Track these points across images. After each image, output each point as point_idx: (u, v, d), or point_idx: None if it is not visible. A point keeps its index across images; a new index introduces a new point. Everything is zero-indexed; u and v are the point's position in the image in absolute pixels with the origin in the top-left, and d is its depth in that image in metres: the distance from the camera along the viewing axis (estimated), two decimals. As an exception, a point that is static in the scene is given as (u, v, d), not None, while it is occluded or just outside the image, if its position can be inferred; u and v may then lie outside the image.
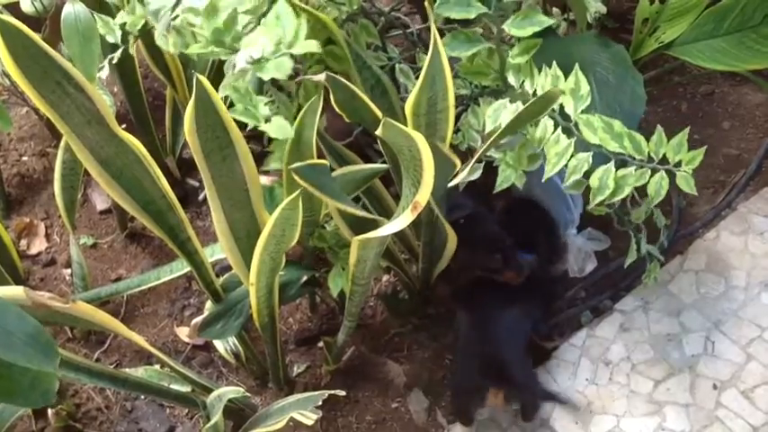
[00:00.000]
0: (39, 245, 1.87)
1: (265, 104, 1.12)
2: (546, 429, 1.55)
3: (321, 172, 1.20)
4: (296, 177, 1.16)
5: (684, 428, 1.53)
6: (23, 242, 1.86)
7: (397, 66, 1.42)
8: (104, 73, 1.27)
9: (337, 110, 1.31)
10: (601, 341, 1.65)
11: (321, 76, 1.23)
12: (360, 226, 1.36)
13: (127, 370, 1.57)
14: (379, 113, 1.29)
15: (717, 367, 1.60)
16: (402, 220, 1.14)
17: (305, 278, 1.55)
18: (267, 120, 1.12)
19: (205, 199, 1.90)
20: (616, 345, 1.64)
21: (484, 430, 1.56)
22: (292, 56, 1.21)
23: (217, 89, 1.19)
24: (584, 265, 1.65)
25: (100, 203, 1.91)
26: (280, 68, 1.10)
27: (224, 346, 1.65)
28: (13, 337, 0.68)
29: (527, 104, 1.28)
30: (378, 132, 1.13)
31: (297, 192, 1.22)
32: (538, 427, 1.56)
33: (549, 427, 1.56)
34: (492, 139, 1.32)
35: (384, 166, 1.43)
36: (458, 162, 1.31)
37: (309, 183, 1.17)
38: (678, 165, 1.34)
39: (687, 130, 1.34)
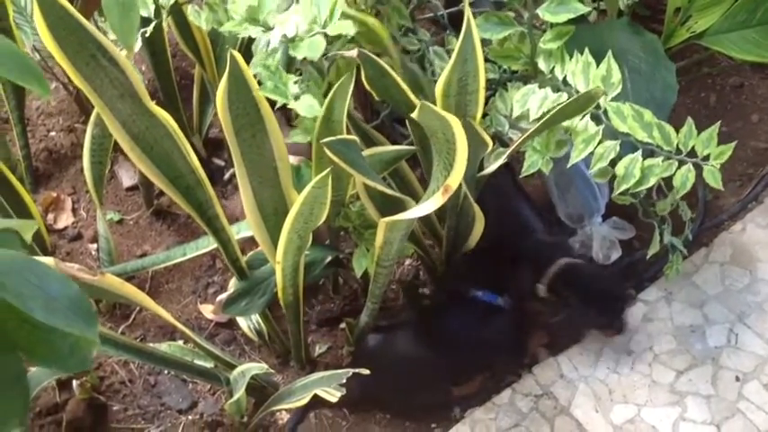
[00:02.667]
0: (65, 219, 1.88)
1: (295, 83, 1.12)
2: (567, 417, 1.56)
3: (351, 148, 1.20)
4: (327, 151, 1.17)
5: (706, 419, 1.53)
6: (50, 216, 1.88)
7: (430, 48, 1.42)
8: (137, 46, 1.28)
9: (367, 87, 1.31)
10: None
11: (353, 52, 1.23)
12: (387, 207, 1.36)
13: (151, 345, 1.59)
14: (410, 93, 1.29)
15: (740, 359, 1.59)
16: (432, 203, 1.14)
17: (329, 258, 1.55)
18: (296, 97, 1.13)
19: (230, 179, 1.92)
20: (639, 335, 1.64)
21: (505, 417, 1.56)
22: (326, 36, 1.22)
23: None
24: (609, 253, 1.64)
25: (126, 180, 1.92)
26: (313, 48, 1.11)
27: (247, 323, 1.66)
28: (55, 301, 0.69)
29: (568, 101, 1.28)
30: (413, 115, 1.13)
31: (326, 170, 1.22)
32: (558, 414, 1.56)
33: (570, 414, 1.56)
34: (528, 133, 1.32)
35: (412, 147, 1.43)
36: (489, 141, 1.31)
37: (340, 157, 1.17)
38: (706, 158, 1.34)
39: (718, 124, 1.33)
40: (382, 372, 1.41)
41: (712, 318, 1.64)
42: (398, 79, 1.33)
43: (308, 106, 1.13)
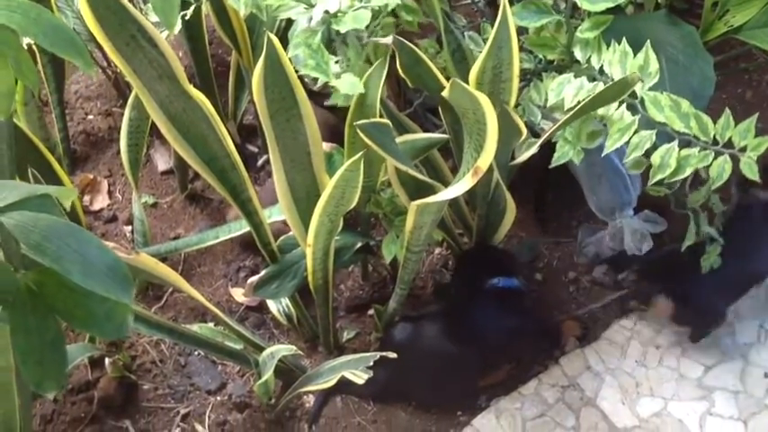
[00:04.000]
0: (101, 201, 1.91)
1: (336, 62, 1.13)
2: (593, 408, 1.55)
3: (384, 131, 1.21)
4: (360, 133, 1.18)
5: (733, 415, 1.52)
6: (86, 198, 1.91)
7: (465, 34, 1.42)
8: (177, 28, 1.30)
9: (401, 74, 1.32)
10: (652, 325, 1.64)
11: (388, 39, 1.24)
12: (417, 192, 1.37)
13: (182, 325, 1.61)
14: (443, 79, 1.30)
15: (769, 356, 1.58)
16: (462, 185, 1.15)
17: (359, 244, 1.57)
18: (338, 76, 1.14)
19: (263, 165, 1.94)
20: (667, 329, 1.64)
21: (530, 406, 1.57)
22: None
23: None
24: (641, 245, 1.63)
25: (162, 164, 1.95)
26: (357, 20, 1.11)
27: (277, 307, 1.68)
28: (93, 267, 0.70)
29: (604, 88, 1.28)
30: (444, 93, 1.14)
31: (359, 153, 1.23)
32: (584, 405, 1.56)
33: (596, 406, 1.56)
34: (562, 120, 1.32)
35: (444, 136, 1.44)
36: (524, 128, 1.31)
37: (373, 140, 1.18)
38: (743, 150, 1.33)
39: (756, 116, 1.32)
40: (409, 360, 1.42)
41: (743, 314, 1.63)
42: (432, 66, 1.33)
43: (350, 84, 1.14)
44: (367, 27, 1.21)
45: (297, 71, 1.25)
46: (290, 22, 1.60)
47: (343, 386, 1.43)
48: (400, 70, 1.31)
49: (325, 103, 1.41)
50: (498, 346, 1.58)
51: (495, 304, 1.55)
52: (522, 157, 1.42)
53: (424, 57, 1.30)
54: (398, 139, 1.40)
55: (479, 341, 1.53)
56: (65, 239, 0.70)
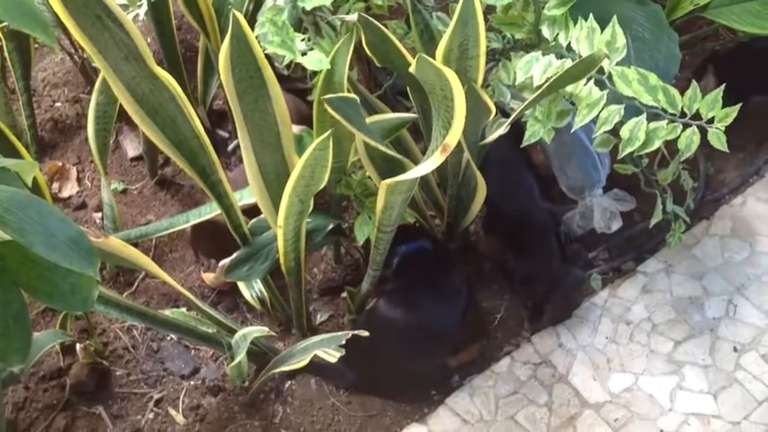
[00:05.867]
0: (70, 188, 1.90)
1: (302, 40, 1.13)
2: (564, 385, 1.57)
3: (351, 106, 1.21)
4: (328, 108, 1.17)
5: (703, 389, 1.54)
6: (55, 185, 1.89)
7: (434, 14, 1.42)
8: (142, 11, 1.29)
9: (368, 52, 1.32)
10: (622, 302, 1.66)
11: (353, 16, 1.24)
12: (387, 170, 1.37)
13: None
14: (410, 58, 1.30)
15: (738, 330, 1.60)
16: (431, 163, 1.15)
17: (331, 226, 1.56)
18: (304, 53, 1.13)
19: (234, 150, 1.93)
20: (637, 305, 1.65)
21: (503, 384, 1.58)
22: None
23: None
24: (610, 223, 1.65)
25: (131, 150, 1.93)
26: (321, -4, 1.10)
27: (249, 292, 1.68)
28: (55, 238, 0.70)
29: (570, 66, 1.28)
30: (411, 69, 1.14)
31: (328, 132, 1.23)
32: (556, 382, 1.57)
33: (568, 382, 1.57)
34: (532, 98, 1.32)
35: (414, 115, 1.44)
36: (492, 107, 1.32)
37: (341, 115, 1.18)
38: (711, 121, 1.34)
39: (723, 86, 1.33)
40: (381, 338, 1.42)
41: (711, 290, 1.65)
42: (399, 45, 1.33)
43: (316, 60, 1.13)
44: (335, 5, 1.21)
45: (264, 49, 1.24)
46: (258, 3, 1.60)
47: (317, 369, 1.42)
48: (366, 49, 1.31)
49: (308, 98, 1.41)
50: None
51: (411, 267, 1.57)
52: (492, 136, 1.42)
53: (391, 35, 1.30)
54: (369, 119, 1.40)
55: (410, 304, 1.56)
56: (26, 211, 0.69)
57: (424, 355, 1.56)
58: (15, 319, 0.73)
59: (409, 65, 1.33)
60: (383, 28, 1.30)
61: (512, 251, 1.68)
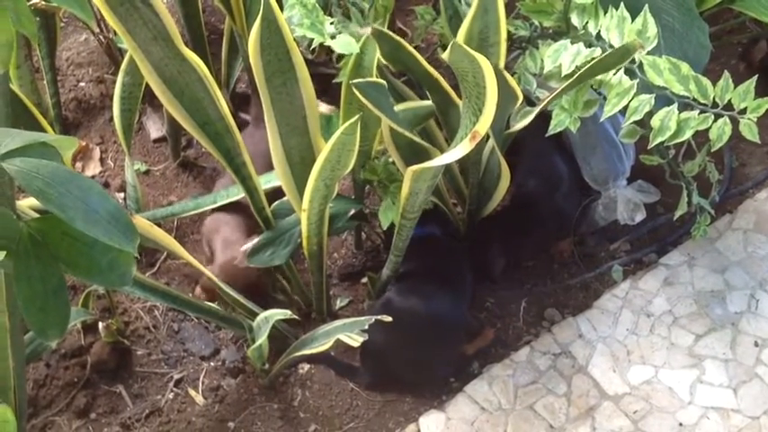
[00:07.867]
0: (93, 168, 1.90)
1: (331, 23, 1.13)
2: (583, 376, 1.57)
3: (380, 91, 1.21)
4: (356, 92, 1.17)
5: (723, 383, 1.54)
6: (78, 165, 1.90)
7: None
8: (170, -6, 1.29)
9: (383, 60, 1.32)
10: (644, 294, 1.65)
11: (367, 30, 1.23)
12: (413, 158, 1.37)
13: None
14: (424, 63, 1.30)
15: (759, 325, 1.59)
16: (460, 150, 1.15)
17: (353, 211, 1.57)
18: (333, 36, 1.13)
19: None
20: (659, 298, 1.65)
21: (522, 373, 1.58)
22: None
23: (280, 14, 1.20)
24: (634, 215, 1.64)
25: (154, 132, 1.94)
26: (351, -22, 1.10)
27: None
28: (95, 214, 0.70)
29: (604, 54, 1.28)
30: (444, 56, 1.13)
31: (356, 116, 1.23)
32: (575, 372, 1.57)
33: (587, 373, 1.57)
34: (562, 87, 1.32)
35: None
36: (520, 94, 1.31)
37: (369, 99, 1.18)
38: (743, 112, 1.33)
39: (756, 77, 1.32)
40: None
41: (733, 283, 1.65)
42: (413, 50, 1.33)
43: (345, 43, 1.13)
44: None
45: (293, 32, 1.24)
46: (285, -14, 1.60)
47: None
48: (382, 58, 1.31)
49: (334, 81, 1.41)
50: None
51: (420, 250, 1.57)
52: (519, 125, 1.42)
53: (404, 42, 1.29)
54: (398, 107, 1.40)
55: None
56: (67, 186, 0.70)
57: (437, 344, 1.56)
58: (55, 294, 0.74)
59: (425, 70, 1.33)
60: (396, 37, 1.30)
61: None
